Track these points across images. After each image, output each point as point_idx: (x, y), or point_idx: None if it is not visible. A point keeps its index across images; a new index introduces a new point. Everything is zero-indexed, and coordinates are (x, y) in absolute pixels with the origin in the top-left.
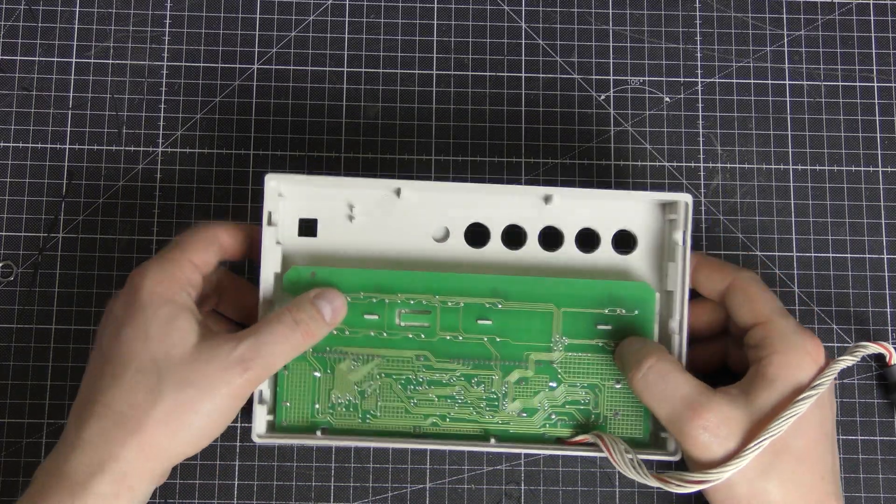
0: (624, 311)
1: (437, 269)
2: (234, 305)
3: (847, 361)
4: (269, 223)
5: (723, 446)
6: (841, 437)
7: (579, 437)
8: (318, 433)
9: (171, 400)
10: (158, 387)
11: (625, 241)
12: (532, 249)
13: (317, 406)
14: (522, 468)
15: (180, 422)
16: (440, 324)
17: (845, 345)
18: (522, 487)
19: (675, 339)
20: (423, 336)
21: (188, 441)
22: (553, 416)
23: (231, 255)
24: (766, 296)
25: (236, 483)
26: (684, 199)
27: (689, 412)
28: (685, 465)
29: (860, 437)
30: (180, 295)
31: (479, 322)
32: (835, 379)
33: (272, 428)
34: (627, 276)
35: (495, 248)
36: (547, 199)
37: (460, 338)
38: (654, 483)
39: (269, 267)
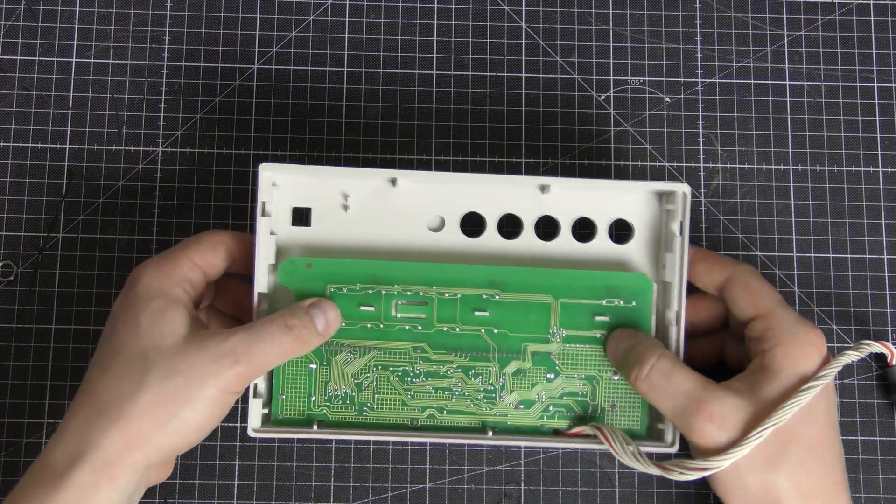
0: (622, 302)
1: (432, 259)
2: (229, 300)
3: (851, 356)
4: (263, 213)
5: (729, 436)
6: (841, 437)
7: (578, 429)
8: (315, 427)
9: (156, 388)
10: (144, 376)
11: (621, 231)
12: (528, 239)
13: (313, 398)
14: (522, 468)
15: (166, 411)
16: (437, 315)
17: (846, 345)
18: (522, 487)
19: (672, 330)
20: (419, 328)
21: (176, 432)
22: (550, 408)
23: (240, 263)
24: (766, 288)
25: (236, 483)
26: (682, 189)
27: (694, 405)
28: (684, 456)
29: (860, 438)
30: (175, 290)
31: (477, 314)
32: (836, 374)
33: (268, 421)
34: (623, 267)
35: (491, 237)
36: (543, 188)
37: (457, 329)
38: (656, 472)
39: (263, 258)
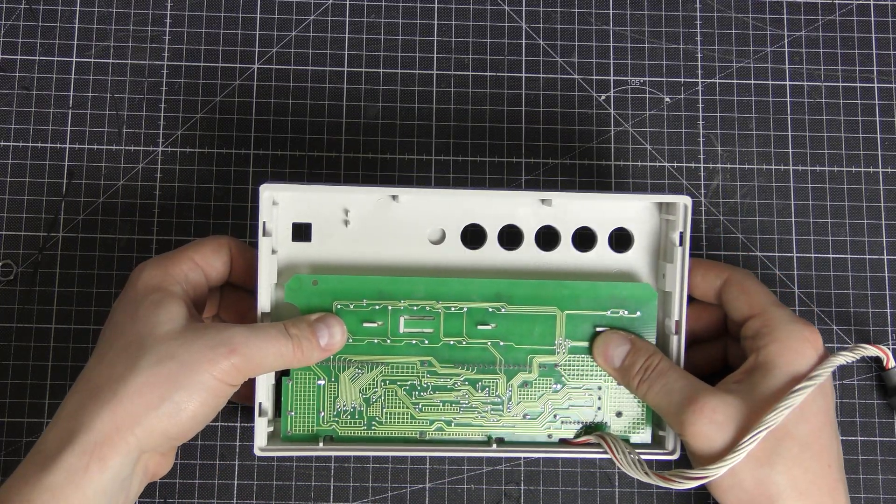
0: (626, 312)
1: (434, 272)
2: (233, 312)
3: (846, 357)
4: (265, 233)
5: (722, 434)
6: (841, 437)
7: (583, 438)
8: (321, 444)
9: (149, 371)
10: (138, 360)
11: (621, 240)
12: (529, 250)
13: (322, 414)
14: (522, 468)
15: (158, 393)
16: (444, 329)
17: (845, 345)
18: (522, 487)
19: (672, 339)
20: (426, 342)
21: (169, 416)
22: (557, 418)
23: (242, 273)
24: (761, 289)
25: (236, 483)
26: (683, 201)
27: (687, 400)
28: (685, 463)
29: (860, 438)
30: (173, 286)
31: (482, 327)
32: (833, 372)
33: (276, 439)
34: (624, 276)
35: (492, 249)
36: (544, 200)
37: (464, 343)
38: (656, 481)
39: (266, 278)
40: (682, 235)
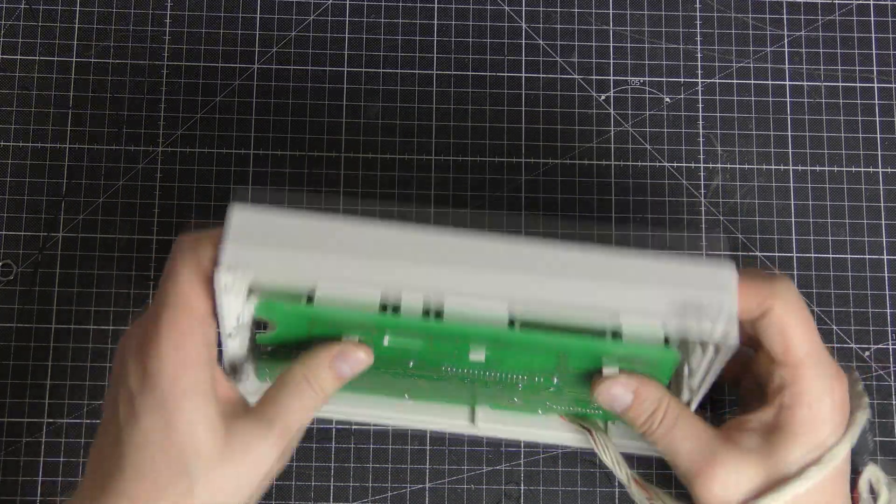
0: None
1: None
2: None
3: (864, 417)
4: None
5: (731, 497)
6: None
7: (573, 421)
8: None
9: (206, 496)
10: (192, 489)
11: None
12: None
13: None
14: (522, 468)
15: None
16: (433, 347)
17: (846, 345)
18: (522, 487)
19: (684, 390)
20: (413, 352)
21: None
22: (548, 404)
23: None
24: (802, 330)
25: None
26: (718, 332)
27: (700, 467)
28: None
29: None
30: (201, 373)
31: (475, 357)
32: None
33: None
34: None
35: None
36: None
37: (454, 354)
38: (634, 490)
39: (229, 325)
40: (712, 361)
